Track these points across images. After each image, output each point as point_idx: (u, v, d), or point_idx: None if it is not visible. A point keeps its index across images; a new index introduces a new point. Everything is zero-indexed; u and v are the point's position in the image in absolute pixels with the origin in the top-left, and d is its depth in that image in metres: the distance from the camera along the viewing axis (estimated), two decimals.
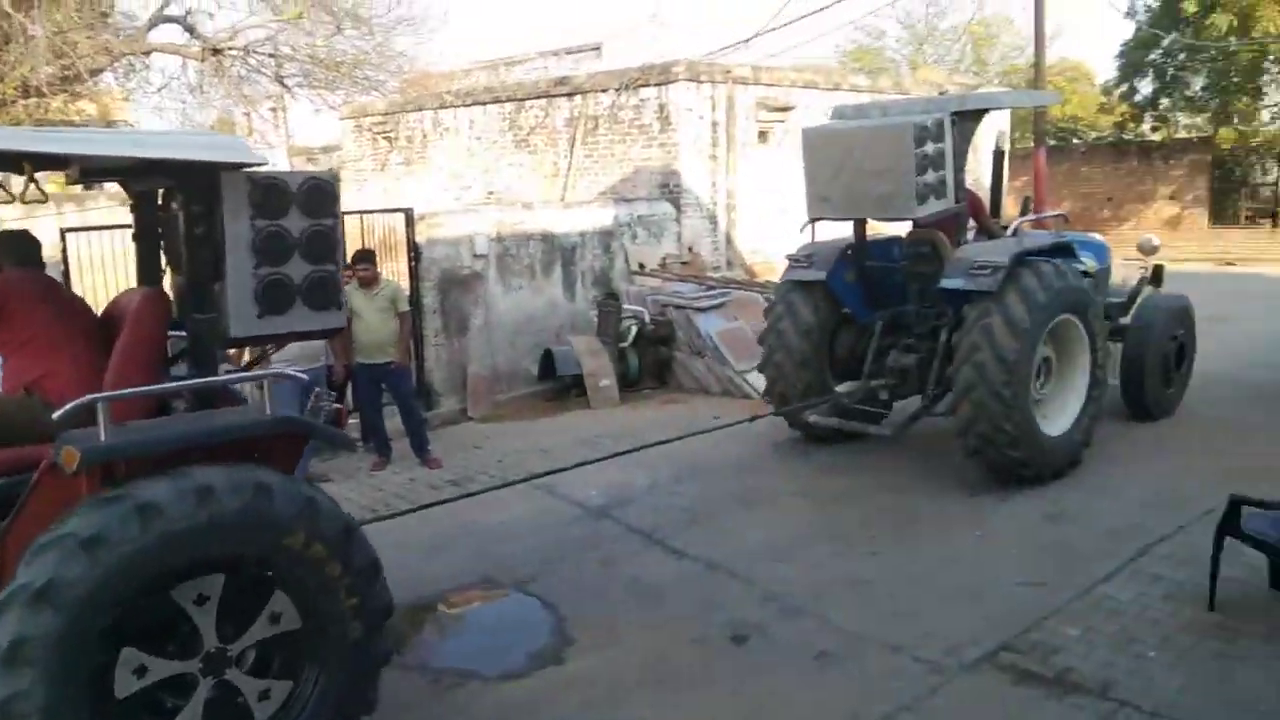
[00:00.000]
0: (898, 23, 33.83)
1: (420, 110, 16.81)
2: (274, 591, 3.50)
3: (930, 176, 6.92)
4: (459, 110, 16.04)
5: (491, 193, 15.42)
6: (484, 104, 15.58)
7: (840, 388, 8.10)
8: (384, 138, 17.83)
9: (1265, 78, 22.19)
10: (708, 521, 6.66)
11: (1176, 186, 24.20)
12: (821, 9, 21.94)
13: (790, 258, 8.20)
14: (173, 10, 17.81)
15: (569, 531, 6.58)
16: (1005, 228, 8.04)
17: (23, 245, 4.19)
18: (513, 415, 10.08)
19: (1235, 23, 20.06)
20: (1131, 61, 24.24)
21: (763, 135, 13.93)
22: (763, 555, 6.01)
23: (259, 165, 3.79)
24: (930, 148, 6.89)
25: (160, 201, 4.23)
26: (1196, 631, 4.82)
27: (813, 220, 7.86)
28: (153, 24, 17.99)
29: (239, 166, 3.67)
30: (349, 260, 7.77)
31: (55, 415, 3.36)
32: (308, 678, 3.59)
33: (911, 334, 7.79)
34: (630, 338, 10.83)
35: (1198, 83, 23.64)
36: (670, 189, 12.93)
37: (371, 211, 10.61)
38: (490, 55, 23.29)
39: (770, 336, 8.19)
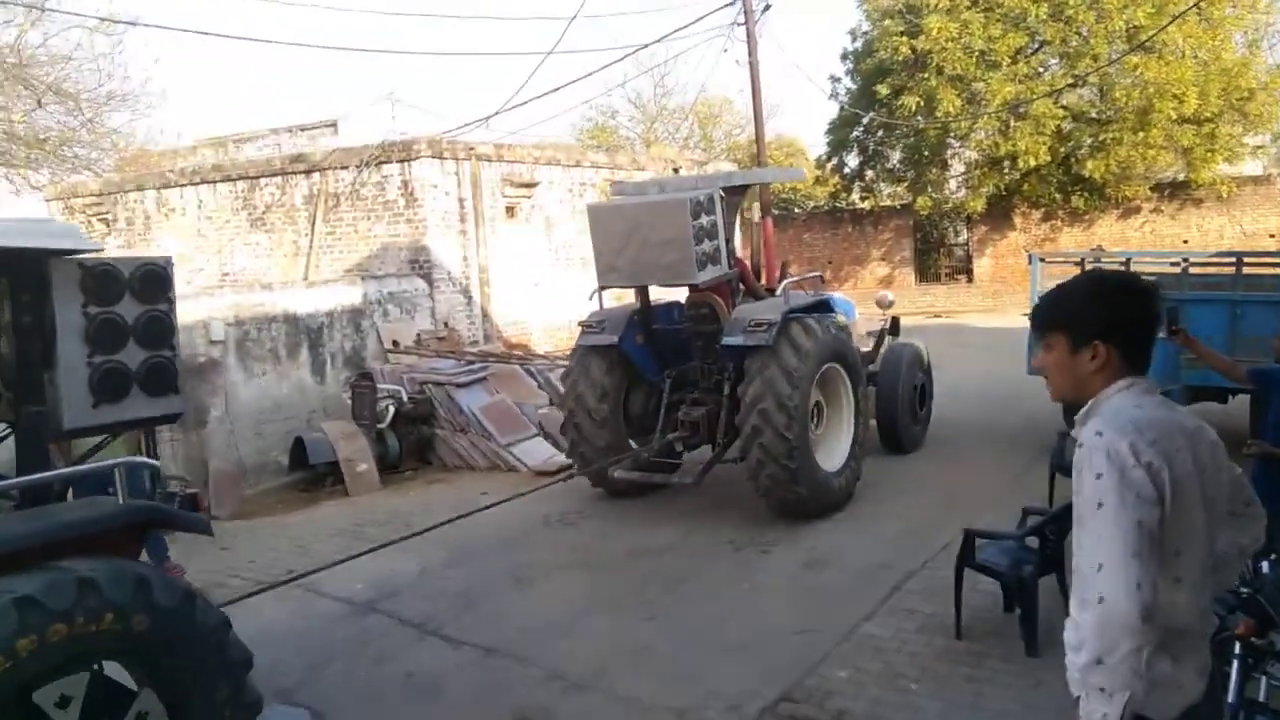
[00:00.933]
0: (629, 102, 35.40)
1: (141, 190, 15.65)
2: (141, 692, 3.30)
3: (707, 245, 7.58)
4: (186, 189, 15.09)
5: (226, 274, 14.55)
6: (214, 182, 14.75)
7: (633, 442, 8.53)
8: (100, 220, 16.41)
9: (949, 151, 25.11)
10: (483, 605, 6.47)
11: (886, 249, 26.78)
12: (556, 89, 22.67)
13: (583, 324, 8.67)
14: None
15: (335, 631, 6.17)
16: (771, 290, 8.78)
17: None
18: (264, 511, 9.41)
19: (921, 104, 22.62)
20: (838, 138, 26.68)
21: (510, 210, 14.08)
22: (542, 634, 5.90)
23: (93, 252, 3.71)
24: (705, 219, 7.55)
25: None
26: (949, 660, 5.19)
27: (602, 289, 8.40)
28: None
29: (70, 253, 3.59)
30: None
31: None
32: None
33: (697, 389, 8.36)
34: (388, 418, 10.46)
35: (895, 156, 26.34)
36: (420, 264, 12.74)
37: None
38: (218, 132, 22.15)
39: (569, 399, 8.56)
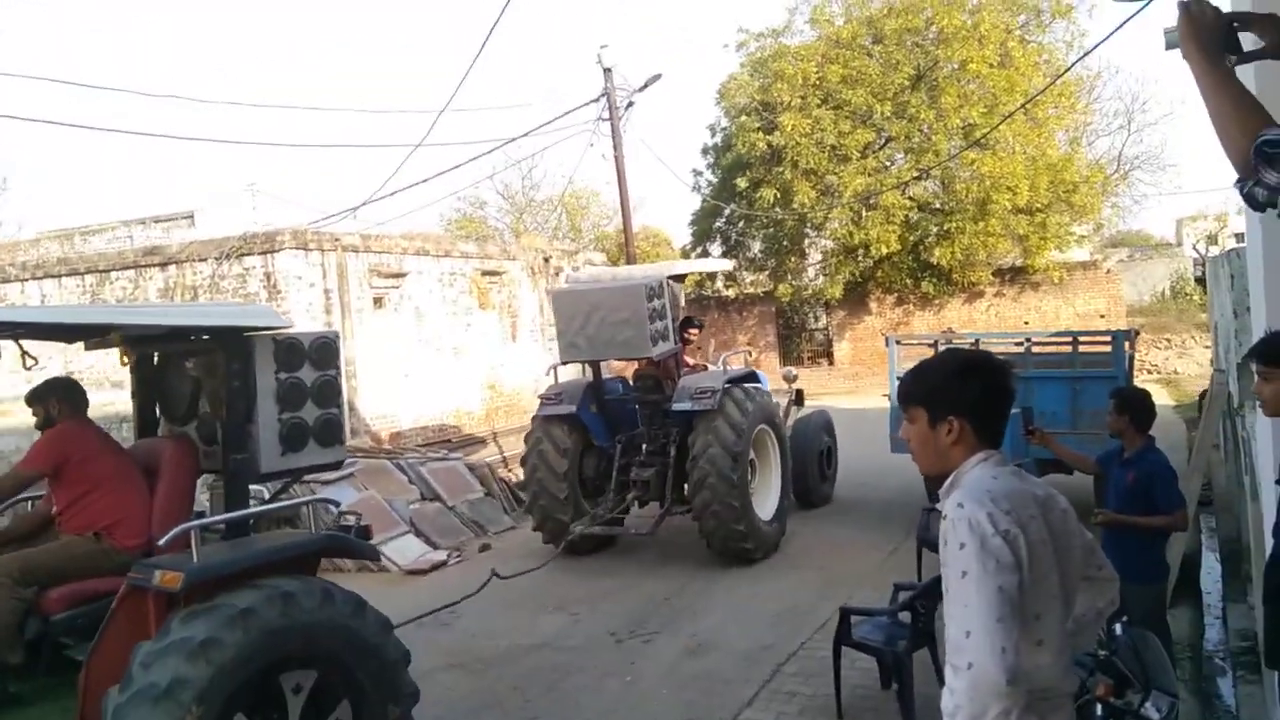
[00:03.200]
0: (498, 194, 35.73)
1: None
2: (341, 700, 4.07)
3: (658, 324, 8.76)
4: (26, 284, 14.30)
5: (71, 373, 13.75)
6: (59, 276, 14.04)
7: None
8: None
9: (807, 241, 26.23)
10: None
11: (752, 334, 27.56)
12: (424, 180, 22.71)
13: (542, 397, 9.55)
14: None
15: None
16: (705, 367, 10.16)
17: (77, 394, 4.63)
18: None
19: (779, 195, 23.66)
20: (702, 229, 27.56)
21: (378, 301, 13.89)
22: None
23: (284, 329, 4.44)
24: (656, 302, 8.73)
25: (155, 362, 4.87)
26: None
27: (563, 363, 9.46)
28: None
29: (267, 329, 4.33)
30: None
31: (160, 541, 3.98)
32: None
33: (644, 452, 9.25)
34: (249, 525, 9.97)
35: (756, 246, 27.34)
36: None
37: None
38: (63, 224, 21.17)
39: (532, 458, 9.36)
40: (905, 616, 5.60)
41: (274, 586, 3.86)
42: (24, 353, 4.63)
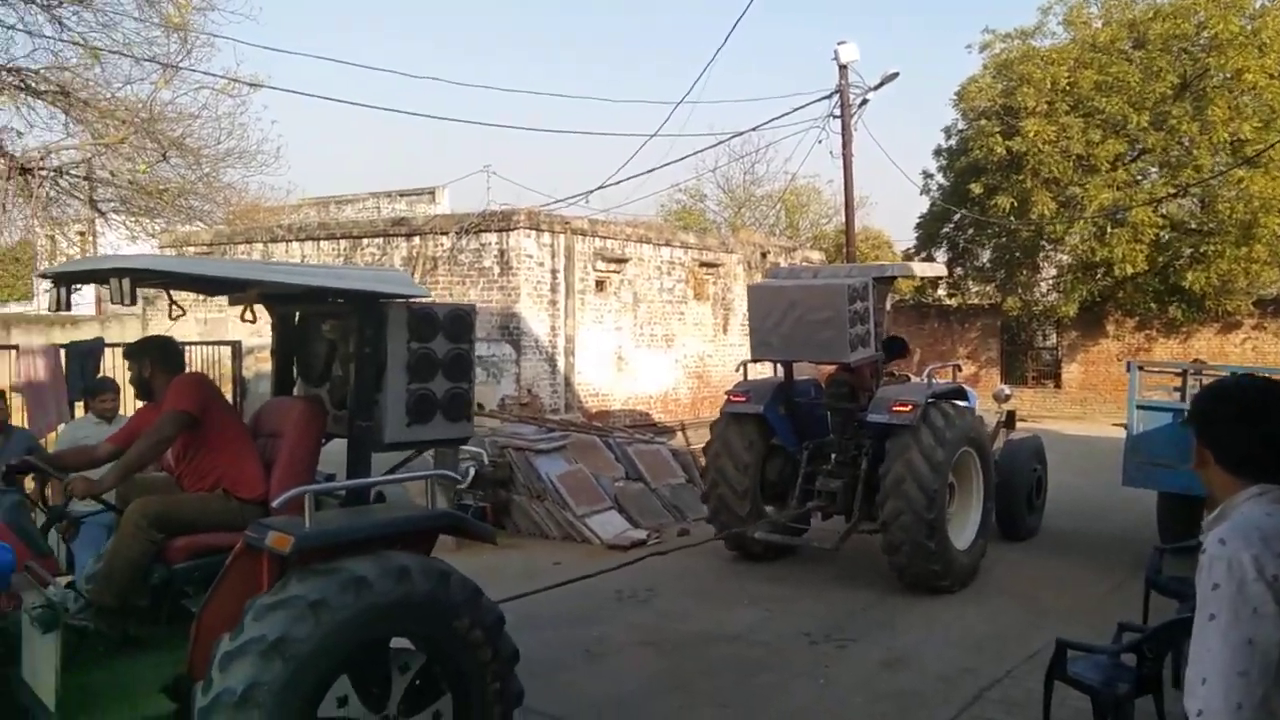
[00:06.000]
0: (719, 187, 35.92)
1: (250, 243, 16.37)
2: (444, 694, 3.98)
3: (859, 329, 8.24)
4: (291, 244, 15.73)
5: None
6: (318, 239, 15.35)
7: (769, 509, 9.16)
8: None
9: (1041, 254, 24.80)
10: (550, 674, 6.41)
11: (972, 347, 26.38)
12: (651, 170, 23.12)
13: (730, 393, 9.27)
14: None
15: None
16: (908, 377, 9.51)
17: (172, 354, 4.60)
18: None
19: (1015, 205, 22.48)
20: (928, 233, 26.60)
21: (600, 284, 14.32)
22: (609, 709, 5.82)
23: (421, 298, 4.33)
24: (859, 305, 8.21)
25: (296, 322, 4.80)
26: None
27: (754, 360, 9.07)
28: None
29: (402, 297, 4.22)
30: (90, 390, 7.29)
31: (275, 503, 3.93)
32: None
33: (833, 461, 8.83)
34: (468, 479, 10.54)
35: (985, 255, 26.12)
36: (510, 331, 12.99)
37: (197, 343, 10.08)
38: (321, 192, 23.11)
39: (714, 455, 9.13)
40: (1129, 659, 5.23)
41: (390, 559, 3.79)
42: (172, 302, 4.60)
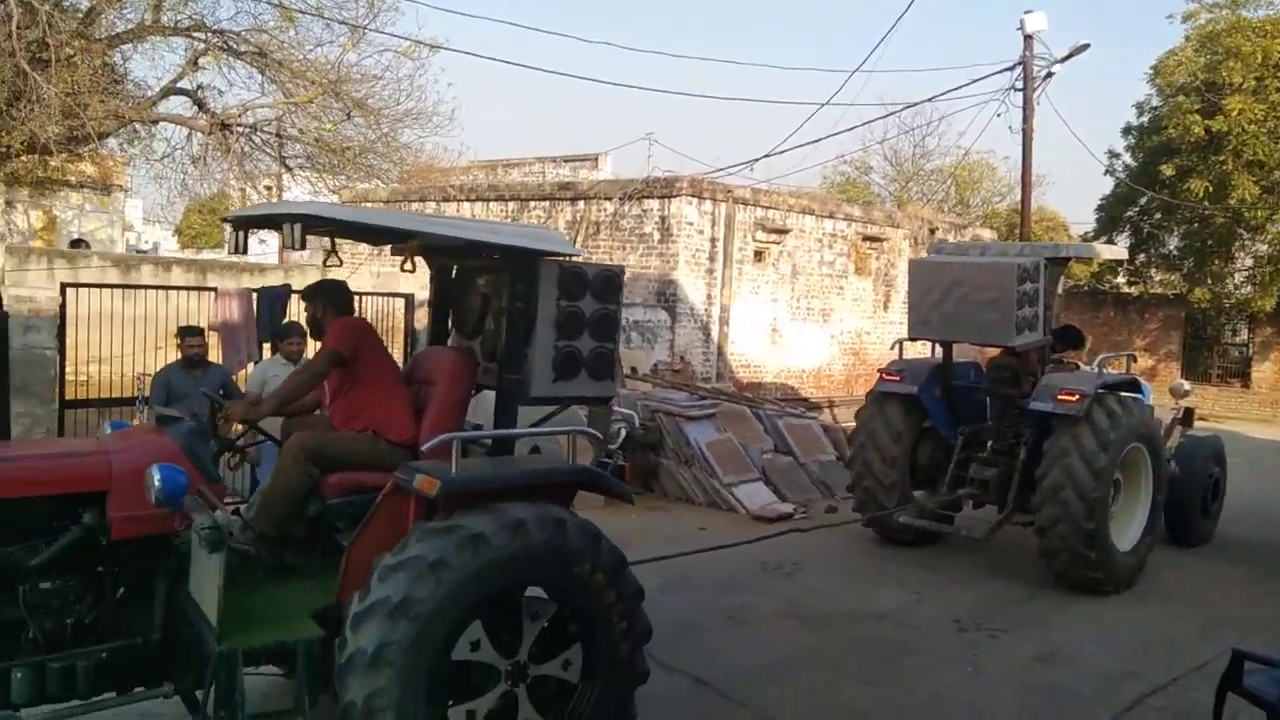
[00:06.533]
0: (886, 160, 34.92)
1: (423, 201, 17.04)
2: (575, 643, 4.03)
3: (1027, 311, 7.80)
4: (461, 204, 16.28)
5: None
6: (487, 200, 15.83)
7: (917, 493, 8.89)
8: None
9: (1237, 243, 23.00)
10: (695, 636, 6.49)
11: (1151, 339, 24.80)
12: (817, 140, 22.73)
13: (883, 371, 8.96)
14: (184, 84, 18.08)
15: None
16: (1076, 365, 8.95)
17: (344, 297, 4.77)
18: None
19: (1210, 189, 20.91)
20: (1110, 216, 25.08)
21: (759, 255, 14.21)
22: (752, 676, 5.84)
23: (573, 256, 4.43)
24: (1028, 286, 7.78)
25: (453, 275, 4.94)
26: None
27: (911, 339, 8.71)
28: (164, 94, 18.22)
29: (554, 255, 4.31)
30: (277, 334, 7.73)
31: (424, 447, 4.11)
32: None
33: (989, 449, 8.47)
34: (618, 440, 10.72)
35: (1173, 242, 24.43)
36: (666, 298, 13.08)
37: (370, 294, 10.60)
38: (491, 154, 23.76)
39: (862, 435, 8.84)
40: None
41: (506, 513, 3.84)
42: (333, 250, 4.75)
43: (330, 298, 4.73)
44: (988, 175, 34.40)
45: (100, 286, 8.72)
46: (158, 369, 7.55)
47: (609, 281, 4.47)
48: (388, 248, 5.51)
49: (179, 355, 7.23)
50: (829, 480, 11.25)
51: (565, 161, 22.15)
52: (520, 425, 4.48)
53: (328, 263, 4.88)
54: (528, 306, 4.26)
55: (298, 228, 3.71)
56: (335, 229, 4.52)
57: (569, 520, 3.96)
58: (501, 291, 4.41)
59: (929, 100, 30.37)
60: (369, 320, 6.70)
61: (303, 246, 3.83)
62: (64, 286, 8.18)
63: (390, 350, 5.08)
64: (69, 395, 8.05)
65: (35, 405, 7.60)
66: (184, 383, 7.04)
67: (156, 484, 3.59)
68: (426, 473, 3.78)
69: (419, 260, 4.79)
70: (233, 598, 3.68)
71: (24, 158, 15.97)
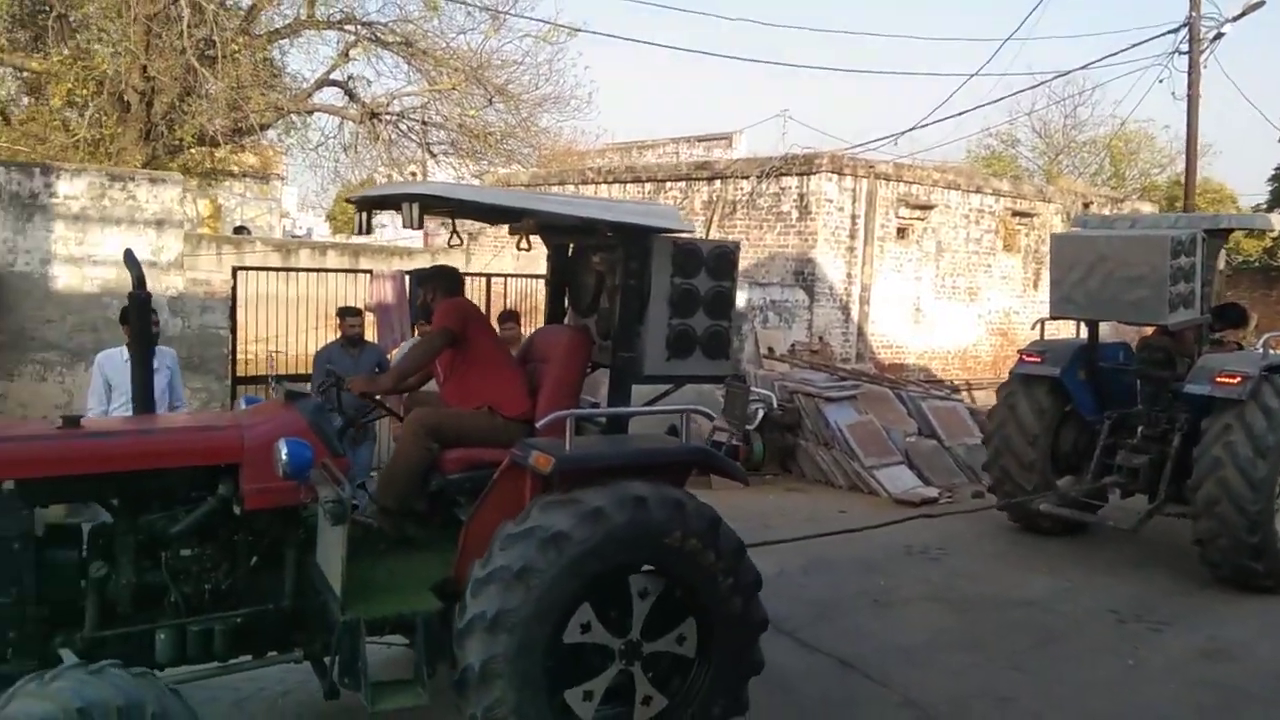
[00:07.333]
0: (1034, 132, 33.39)
1: (562, 184, 17.32)
2: (688, 618, 3.97)
3: (1182, 287, 7.33)
4: (599, 186, 16.47)
5: None
6: (624, 182, 15.97)
7: (1061, 481, 8.47)
8: None
9: None
10: (838, 618, 6.45)
11: None
12: (963, 112, 21.91)
13: (1023, 352, 8.60)
14: (336, 75, 18.91)
15: None
16: (1238, 346, 8.32)
17: (455, 283, 4.88)
18: None
19: None
20: None
21: (901, 232, 13.86)
22: (897, 658, 5.77)
23: (686, 232, 4.37)
24: (1184, 260, 7.31)
25: (569, 254, 4.93)
26: None
27: (1053, 318, 8.35)
28: (318, 85, 19.10)
29: (668, 232, 4.26)
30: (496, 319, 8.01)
31: (539, 424, 4.10)
32: (687, 694, 4.01)
33: (1139, 435, 7.98)
34: (756, 421, 10.70)
35: None
36: (804, 277, 12.93)
37: (512, 275, 10.89)
38: (627, 136, 23.94)
39: (1000, 418, 8.51)
40: None
41: (626, 489, 3.80)
42: (454, 231, 4.80)
43: (441, 282, 4.84)
44: (1146, 145, 32.51)
45: (269, 270, 9.27)
46: (318, 347, 7.95)
47: (724, 258, 4.39)
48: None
49: (339, 334, 7.59)
50: (975, 465, 10.89)
51: (699, 141, 22.11)
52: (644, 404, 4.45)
53: (451, 243, 5.04)
54: (641, 284, 4.23)
55: (415, 207, 3.78)
56: (452, 208, 4.56)
57: (687, 501, 3.92)
58: (616, 269, 4.38)
59: (1083, 68, 28.86)
60: (511, 302, 6.91)
61: (420, 225, 3.90)
62: (235, 270, 8.71)
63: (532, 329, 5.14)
64: (240, 372, 8.60)
65: (211, 381, 8.13)
66: (343, 360, 7.39)
67: (284, 458, 3.69)
68: (542, 449, 3.80)
69: (536, 240, 4.85)
70: (356, 569, 3.75)
71: (194, 150, 17.01)
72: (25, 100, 16.78)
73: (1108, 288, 7.57)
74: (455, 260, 16.47)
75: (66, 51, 14.25)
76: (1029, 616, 6.60)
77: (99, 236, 7.66)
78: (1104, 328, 8.46)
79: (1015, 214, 15.47)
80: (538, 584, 3.59)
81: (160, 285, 8.07)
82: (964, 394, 13.61)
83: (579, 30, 20.33)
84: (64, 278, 7.75)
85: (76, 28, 14.95)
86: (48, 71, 14.29)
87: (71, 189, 7.87)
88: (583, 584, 3.71)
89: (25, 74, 15.61)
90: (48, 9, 14.33)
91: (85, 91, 14.11)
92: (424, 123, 19.36)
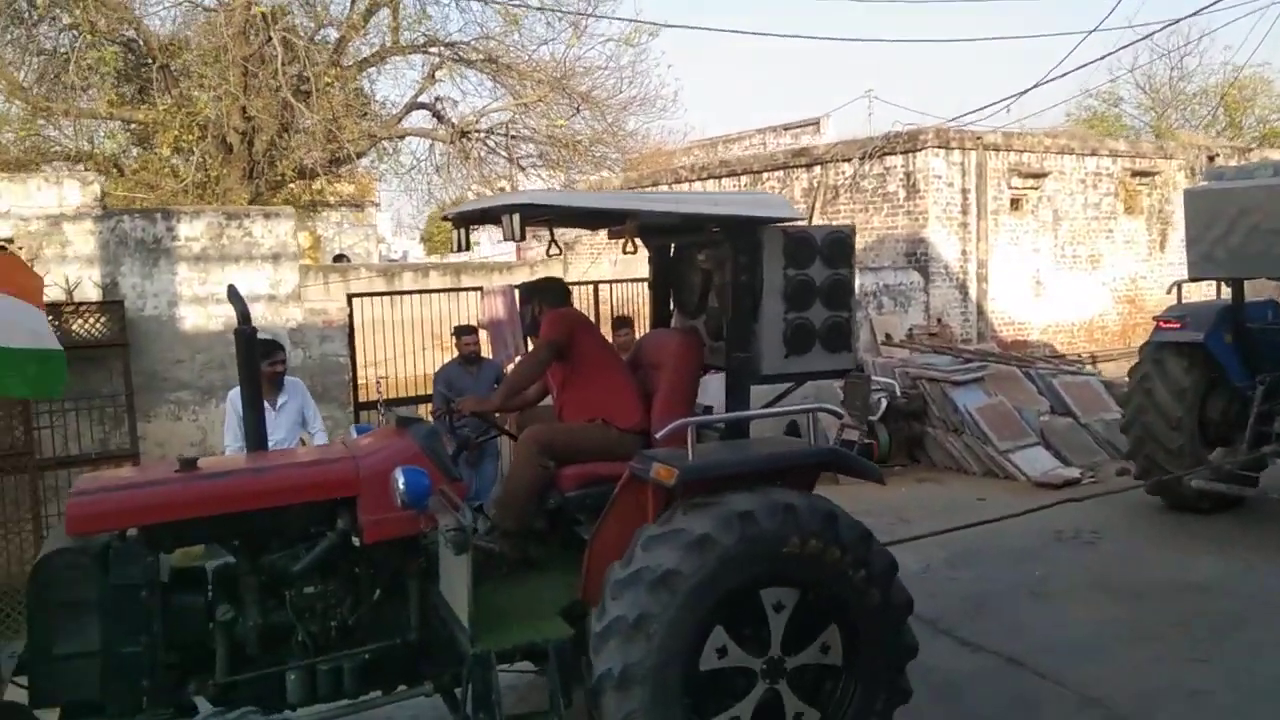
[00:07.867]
0: (1138, 89, 31.81)
1: (655, 185, 17.15)
2: (829, 625, 3.72)
3: None
4: (694, 184, 16.25)
5: None
6: (719, 177, 15.71)
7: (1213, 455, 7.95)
8: None
9: None
10: (996, 613, 6.08)
11: None
12: (1065, 74, 21.03)
13: (1159, 319, 8.15)
14: (424, 98, 19.15)
15: None
16: None
17: (561, 289, 4.80)
18: None
19: None
20: None
21: (1015, 203, 13.27)
22: (1068, 653, 5.38)
23: (796, 221, 4.16)
24: None
25: (671, 254, 4.74)
26: None
27: (1192, 280, 7.96)
28: (407, 110, 19.39)
29: (777, 221, 4.05)
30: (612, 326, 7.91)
31: (658, 435, 3.88)
32: (841, 700, 3.78)
33: None
34: (879, 411, 10.28)
35: None
36: (917, 258, 12.46)
37: (612, 281, 10.77)
38: (713, 132, 23.66)
39: (1138, 396, 8.00)
40: None
41: (774, 495, 3.62)
42: (552, 239, 4.65)
43: (545, 295, 4.71)
44: (1264, 91, 30.66)
45: (382, 294, 9.34)
46: (429, 369, 7.94)
47: (839, 244, 4.15)
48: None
49: (456, 353, 7.57)
50: (1116, 440, 10.29)
51: (785, 130, 21.69)
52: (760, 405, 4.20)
53: (550, 253, 4.82)
54: (752, 279, 4.00)
55: (516, 218, 3.62)
56: (552, 216, 4.43)
57: (839, 513, 3.69)
58: (723, 265, 4.15)
59: (1195, 14, 27.19)
60: (611, 308, 6.71)
61: (522, 237, 3.73)
62: (349, 297, 8.79)
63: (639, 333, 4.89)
64: (360, 398, 8.67)
65: (335, 409, 8.20)
66: (462, 378, 7.36)
67: (401, 487, 3.58)
68: (663, 461, 3.64)
69: (639, 242, 4.57)
70: (481, 596, 3.64)
71: (294, 184, 17.44)
72: (135, 150, 17.46)
73: (1252, 242, 7.13)
74: (553, 270, 16.51)
75: (170, 100, 14.74)
76: (1205, 602, 6.11)
77: (220, 275, 7.79)
78: (1250, 285, 7.85)
79: (1135, 174, 14.65)
80: (682, 588, 3.43)
81: (280, 318, 8.18)
82: (1093, 366, 12.95)
83: (658, 26, 20.13)
84: (190, 318, 7.90)
85: (178, 76, 15.46)
86: (154, 121, 14.79)
87: (192, 231, 8.03)
88: (727, 592, 3.52)
89: (134, 125, 16.22)
90: (150, 60, 14.85)
91: (190, 137, 14.57)
92: (511, 136, 19.47)
